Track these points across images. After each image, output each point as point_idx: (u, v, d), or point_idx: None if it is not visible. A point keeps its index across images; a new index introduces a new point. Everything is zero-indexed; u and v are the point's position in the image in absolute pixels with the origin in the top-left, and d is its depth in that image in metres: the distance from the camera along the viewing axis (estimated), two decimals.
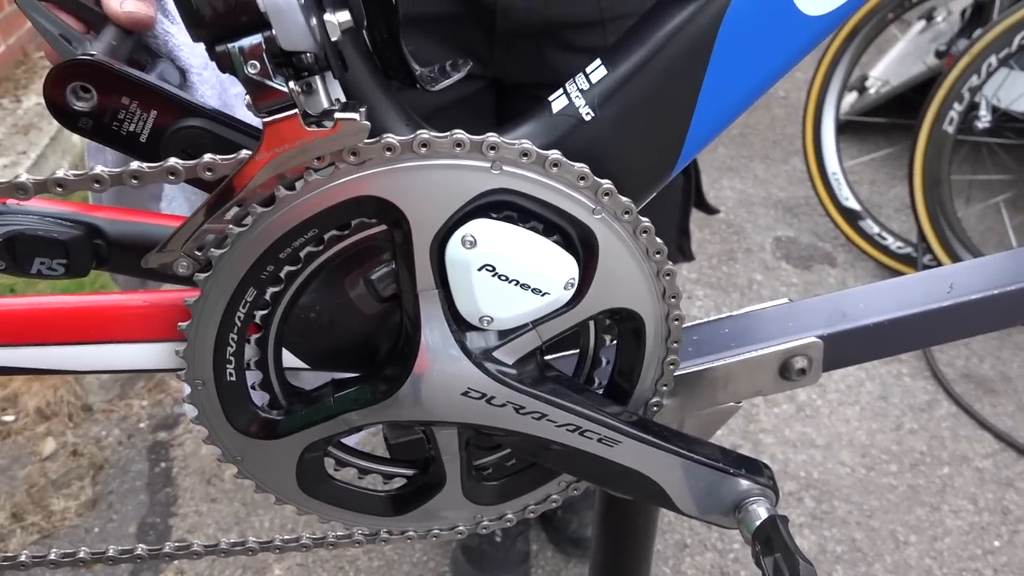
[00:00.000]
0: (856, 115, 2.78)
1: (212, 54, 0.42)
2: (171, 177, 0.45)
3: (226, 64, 0.41)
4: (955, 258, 2.20)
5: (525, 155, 0.46)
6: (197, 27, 0.41)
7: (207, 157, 0.45)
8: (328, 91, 0.44)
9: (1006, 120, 2.24)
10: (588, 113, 0.50)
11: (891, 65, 2.79)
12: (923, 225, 2.21)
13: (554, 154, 0.47)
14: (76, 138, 3.02)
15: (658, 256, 0.51)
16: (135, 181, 0.45)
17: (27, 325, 0.49)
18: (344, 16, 0.43)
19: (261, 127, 0.45)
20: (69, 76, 0.51)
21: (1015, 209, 2.45)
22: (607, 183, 0.48)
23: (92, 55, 0.52)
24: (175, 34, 0.64)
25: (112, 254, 0.54)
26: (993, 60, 2.07)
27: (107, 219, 0.54)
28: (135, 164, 0.45)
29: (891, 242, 2.34)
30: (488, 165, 0.46)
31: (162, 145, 0.53)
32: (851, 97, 2.79)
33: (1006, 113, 2.23)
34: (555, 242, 0.49)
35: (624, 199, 0.49)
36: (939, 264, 2.22)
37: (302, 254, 0.48)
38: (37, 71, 3.22)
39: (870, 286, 0.67)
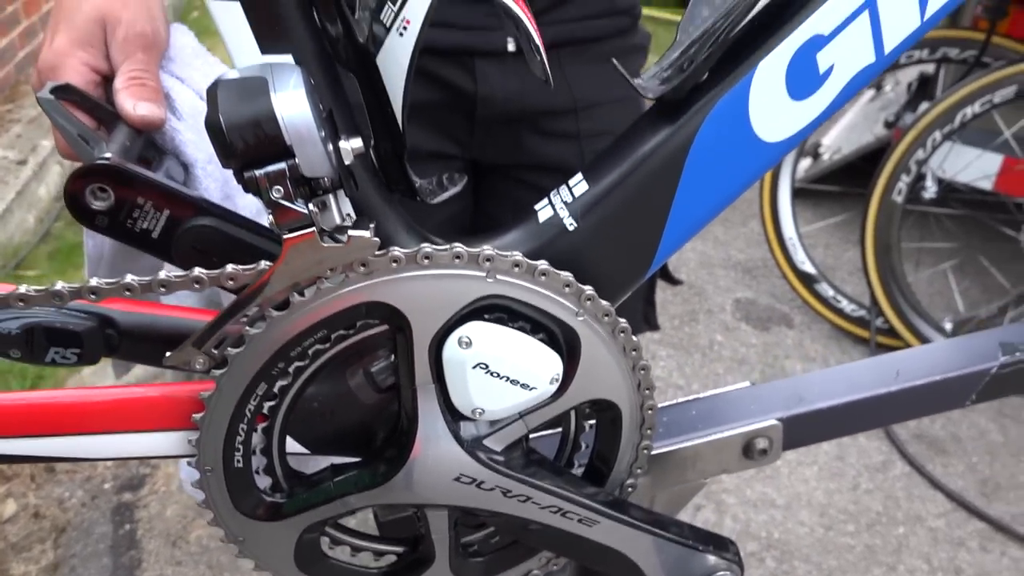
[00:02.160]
0: (811, 181, 2.90)
1: (240, 179, 0.46)
2: (196, 286, 0.49)
3: (252, 188, 0.46)
4: (905, 321, 2.29)
5: (517, 266, 0.51)
6: (228, 157, 0.45)
7: (230, 268, 0.49)
8: (340, 207, 0.49)
9: (951, 191, 2.37)
10: (571, 224, 0.56)
11: (843, 133, 2.93)
12: (875, 290, 2.31)
13: (542, 264, 0.52)
14: (43, 192, 3.02)
15: (634, 353, 0.56)
16: (163, 289, 0.49)
17: (51, 417, 0.52)
18: (357, 143, 0.48)
19: (275, 234, 0.49)
20: (89, 178, 0.55)
21: (962, 274, 2.57)
22: (589, 289, 0.53)
23: (109, 158, 0.56)
24: (181, 131, 0.69)
25: (123, 343, 0.58)
26: (937, 135, 2.20)
27: (119, 310, 0.58)
28: (163, 274, 0.49)
29: (845, 305, 2.44)
30: (483, 274, 0.51)
31: (173, 241, 0.58)
32: (806, 163, 2.91)
33: (951, 184, 2.36)
34: (542, 341, 0.54)
35: (604, 303, 0.54)
36: (891, 326, 2.32)
37: (310, 351, 0.53)
38: (3, 124, 3.22)
39: (825, 371, 0.73)
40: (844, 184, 2.84)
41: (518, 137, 1.09)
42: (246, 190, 0.47)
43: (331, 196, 0.48)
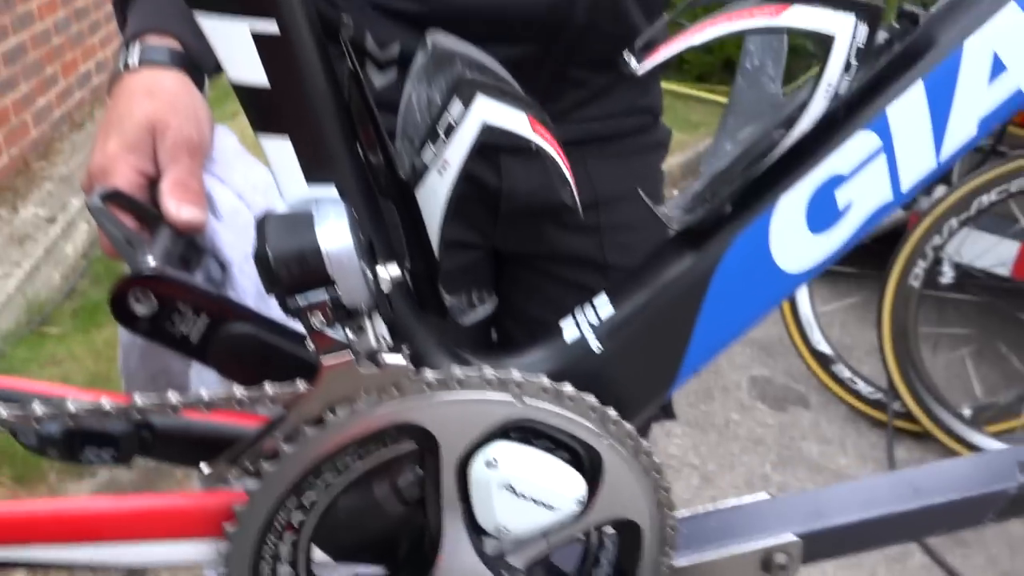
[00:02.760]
0: None
1: (283, 307, 0.48)
2: (237, 405, 0.51)
3: (295, 315, 0.48)
4: (923, 406, 2.28)
5: (544, 390, 0.53)
6: (274, 286, 0.48)
7: (268, 389, 0.51)
8: (376, 330, 0.51)
9: (968, 276, 2.37)
10: (596, 345, 0.58)
11: None
12: (892, 373, 2.30)
13: (568, 389, 0.53)
14: (69, 250, 3.08)
15: (656, 474, 0.57)
16: (205, 408, 0.51)
17: (79, 525, 0.54)
18: (394, 270, 0.51)
19: (315, 358, 0.51)
20: (133, 285, 0.58)
21: (980, 360, 2.56)
22: (614, 413, 0.55)
23: (153, 266, 0.59)
24: (220, 231, 0.72)
25: (156, 444, 0.60)
26: (954, 222, 2.22)
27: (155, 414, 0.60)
28: (205, 394, 0.51)
29: (862, 387, 2.43)
30: (511, 398, 0.53)
31: (210, 345, 0.60)
32: None
33: (968, 270, 2.36)
34: (566, 462, 0.55)
35: (628, 426, 0.55)
36: (908, 411, 2.31)
37: (340, 466, 0.54)
38: (36, 181, 3.31)
39: (843, 486, 0.74)
40: (860, 265, 2.85)
41: (540, 229, 1.12)
42: (288, 315, 0.49)
43: (367, 319, 0.50)
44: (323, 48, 0.48)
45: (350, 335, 0.49)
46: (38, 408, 0.49)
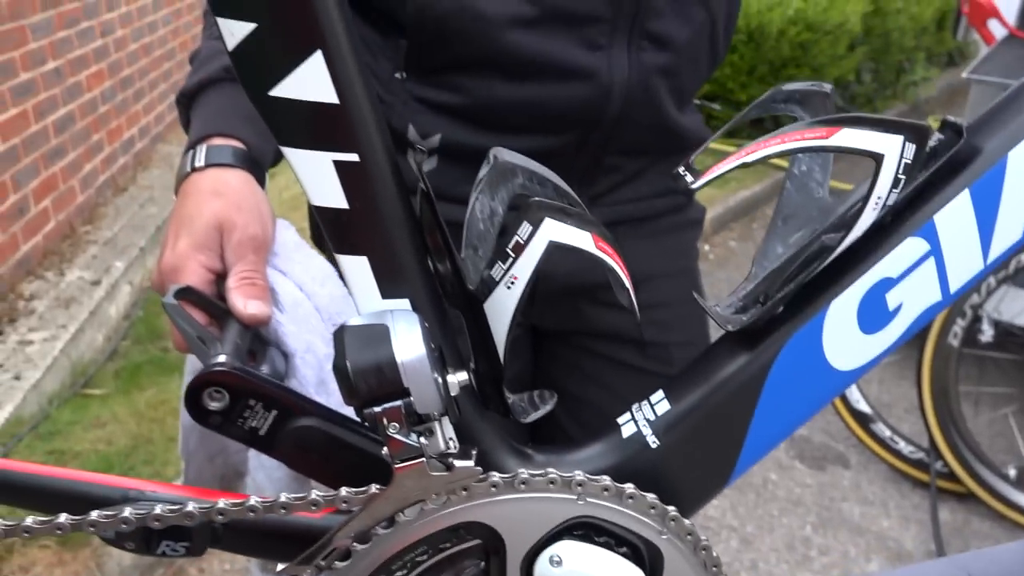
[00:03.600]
0: None
1: (360, 416, 0.51)
2: (313, 507, 0.53)
3: (371, 423, 0.51)
4: (966, 466, 2.25)
5: (606, 489, 0.55)
6: (352, 397, 0.50)
7: (344, 491, 0.53)
8: (444, 433, 0.53)
9: (1008, 335, 2.35)
10: (654, 441, 0.59)
11: None
12: (933, 433, 2.27)
13: (629, 488, 0.55)
14: (112, 312, 3.15)
15: (715, 568, 0.58)
16: (283, 511, 0.53)
17: None
18: (463, 376, 0.53)
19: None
20: (209, 383, 0.61)
21: (1023, 418, 2.52)
22: (673, 510, 0.56)
23: (224, 364, 0.62)
24: (284, 323, 0.75)
25: (226, 535, 0.62)
26: (992, 280, 2.21)
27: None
28: (284, 497, 0.53)
29: (903, 446, 2.40)
30: (575, 497, 0.55)
31: (277, 438, 0.62)
32: None
33: (1008, 328, 2.34)
34: (626, 557, 0.57)
35: (687, 522, 0.57)
36: (951, 471, 2.27)
37: (409, 563, 0.56)
38: (81, 246, 3.40)
39: (894, 572, 0.74)
40: None
41: (577, 307, 1.14)
42: (363, 423, 0.51)
43: (437, 423, 0.53)
44: (397, 170, 0.52)
45: (422, 440, 0.51)
46: (129, 513, 0.52)
